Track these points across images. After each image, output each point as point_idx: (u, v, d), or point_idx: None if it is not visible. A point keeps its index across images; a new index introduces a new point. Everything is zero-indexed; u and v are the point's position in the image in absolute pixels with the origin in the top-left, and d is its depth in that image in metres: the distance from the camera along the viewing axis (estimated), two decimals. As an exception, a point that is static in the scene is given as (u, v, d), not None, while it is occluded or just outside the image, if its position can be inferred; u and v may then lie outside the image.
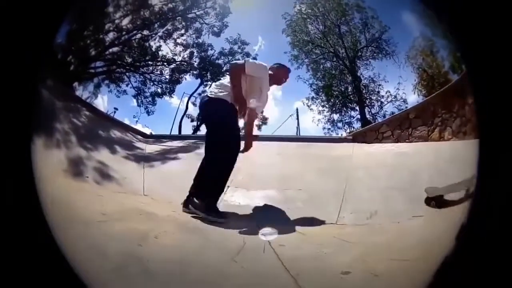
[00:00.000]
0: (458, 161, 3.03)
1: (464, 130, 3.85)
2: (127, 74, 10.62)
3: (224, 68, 11.79)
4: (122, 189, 2.81)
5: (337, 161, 4.22)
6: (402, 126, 5.18)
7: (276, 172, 3.67)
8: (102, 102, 8.10)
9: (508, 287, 0.66)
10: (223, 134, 2.98)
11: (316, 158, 4.32)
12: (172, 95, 11.48)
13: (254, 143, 3.52)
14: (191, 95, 11.61)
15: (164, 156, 4.08)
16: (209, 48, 11.71)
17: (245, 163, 3.72)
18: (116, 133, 4.89)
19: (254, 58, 12.58)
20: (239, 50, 12.08)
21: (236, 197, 2.82)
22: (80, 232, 1.72)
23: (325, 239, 2.11)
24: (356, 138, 5.96)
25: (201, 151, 4.33)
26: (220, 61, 11.95)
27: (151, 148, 4.48)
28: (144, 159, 3.88)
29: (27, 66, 0.75)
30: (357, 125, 11.16)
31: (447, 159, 3.36)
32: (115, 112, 8.34)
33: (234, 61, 3.22)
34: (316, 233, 2.23)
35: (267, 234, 2.28)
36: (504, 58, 0.64)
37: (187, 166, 3.69)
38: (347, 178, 3.39)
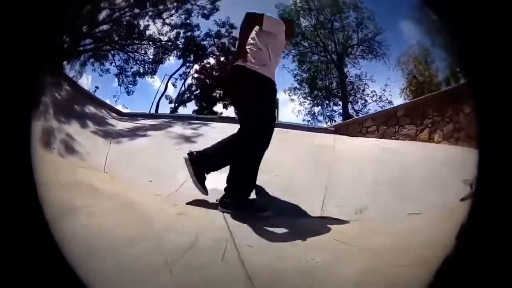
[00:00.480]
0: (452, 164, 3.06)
1: (457, 136, 3.89)
2: (112, 52, 10.53)
3: (209, 50, 11.75)
4: (84, 164, 2.76)
5: (320, 150, 3.98)
6: (389, 123, 5.08)
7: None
8: (86, 82, 8.03)
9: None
10: (268, 126, 2.42)
11: (297, 145, 4.09)
12: (154, 76, 11.41)
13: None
14: (171, 76, 11.51)
15: (134, 134, 4.00)
16: (196, 29, 11.63)
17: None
18: (91, 109, 4.83)
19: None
20: (226, 34, 12.08)
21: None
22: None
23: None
24: (339, 129, 5.83)
25: (174, 129, 4.36)
26: (205, 43, 11.89)
27: (123, 125, 4.43)
28: (113, 135, 3.81)
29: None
30: (338, 120, 11.25)
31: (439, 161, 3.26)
32: (95, 90, 8.30)
33: (251, 11, 2.48)
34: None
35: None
36: (507, 64, 0.58)
37: (156, 144, 3.63)
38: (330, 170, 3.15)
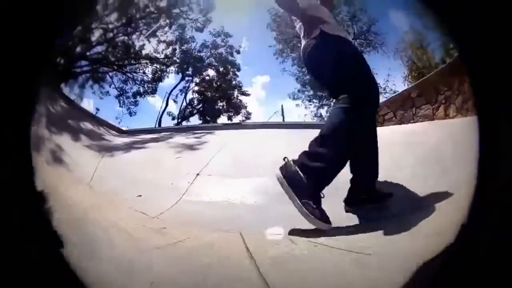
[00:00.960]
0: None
1: (466, 107, 3.56)
2: (109, 74, 10.34)
3: (207, 62, 11.60)
4: (69, 175, 2.41)
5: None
6: (405, 106, 4.68)
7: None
8: (88, 105, 7.84)
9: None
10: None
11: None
12: (154, 95, 11.18)
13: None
14: (170, 92, 11.28)
15: (130, 147, 3.68)
16: (191, 41, 11.46)
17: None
18: (87, 125, 4.54)
19: (238, 52, 12.20)
20: (222, 43, 11.93)
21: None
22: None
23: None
24: None
25: (175, 140, 4.07)
26: (202, 54, 11.72)
27: (120, 141, 4.09)
28: (108, 149, 3.46)
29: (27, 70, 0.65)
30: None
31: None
32: (96, 112, 8.04)
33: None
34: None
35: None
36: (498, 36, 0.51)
37: (154, 155, 3.30)
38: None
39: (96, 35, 9.27)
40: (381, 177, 2.01)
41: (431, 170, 2.25)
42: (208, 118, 10.94)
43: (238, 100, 12.17)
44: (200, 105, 11.58)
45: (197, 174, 2.44)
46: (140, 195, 2.09)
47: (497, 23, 0.52)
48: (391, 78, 11.52)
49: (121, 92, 10.70)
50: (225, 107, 11.54)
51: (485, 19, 0.53)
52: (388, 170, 2.22)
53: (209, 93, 11.50)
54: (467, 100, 3.49)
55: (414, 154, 2.68)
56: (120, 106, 10.61)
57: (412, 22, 9.92)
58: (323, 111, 12.47)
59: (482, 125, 0.59)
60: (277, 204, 2.02)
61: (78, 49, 8.53)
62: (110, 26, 9.62)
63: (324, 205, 1.64)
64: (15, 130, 0.66)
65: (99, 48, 9.56)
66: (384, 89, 11.54)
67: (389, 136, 3.53)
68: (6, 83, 0.61)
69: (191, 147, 3.52)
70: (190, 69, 11.35)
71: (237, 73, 12.37)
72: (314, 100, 12.60)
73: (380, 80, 13.05)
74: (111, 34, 9.78)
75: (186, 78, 11.58)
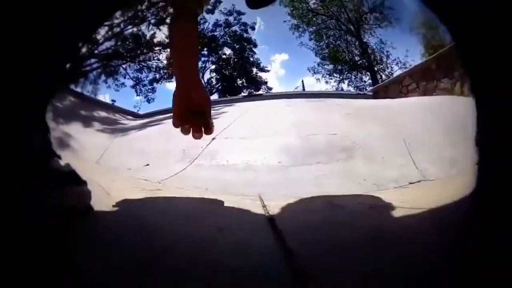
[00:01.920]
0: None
1: None
2: (123, 66, 10.26)
3: (221, 40, 11.39)
4: (75, 157, 2.25)
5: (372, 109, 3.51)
6: (426, 78, 4.55)
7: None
8: (103, 99, 7.80)
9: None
10: None
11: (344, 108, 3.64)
12: (171, 80, 11.07)
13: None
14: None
15: (144, 126, 3.51)
16: (202, 22, 11.25)
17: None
18: (100, 113, 4.45)
19: (253, 29, 11.84)
20: (235, 21, 11.69)
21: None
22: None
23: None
24: (377, 93, 5.43)
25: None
26: (216, 33, 11.52)
27: (135, 123, 3.95)
28: (121, 131, 3.31)
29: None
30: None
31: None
32: (113, 103, 7.97)
33: None
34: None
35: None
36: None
37: (163, 130, 3.12)
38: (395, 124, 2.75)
39: (101, 33, 9.17)
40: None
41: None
42: (228, 96, 10.83)
43: (257, 76, 12.03)
44: (219, 84, 11.46)
45: (213, 139, 2.24)
46: (148, 164, 1.91)
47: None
48: (410, 54, 11.35)
49: (137, 82, 10.68)
50: (244, 84, 11.41)
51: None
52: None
53: (227, 71, 11.34)
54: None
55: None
56: (137, 95, 10.61)
57: (420, 3, 9.55)
58: (344, 86, 12.29)
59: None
60: (302, 164, 2.01)
61: (84, 49, 8.42)
62: (116, 21, 9.51)
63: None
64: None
65: (107, 44, 9.52)
66: (404, 64, 11.32)
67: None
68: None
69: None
70: (206, 49, 11.23)
71: (254, 49, 12.25)
72: (335, 74, 12.37)
73: (399, 54, 12.96)
74: (118, 29, 9.67)
75: (202, 59, 11.49)
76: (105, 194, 0.89)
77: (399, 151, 2.17)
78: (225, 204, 1.03)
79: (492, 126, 0.51)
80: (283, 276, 0.50)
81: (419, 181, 1.68)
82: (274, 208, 0.96)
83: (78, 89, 7.03)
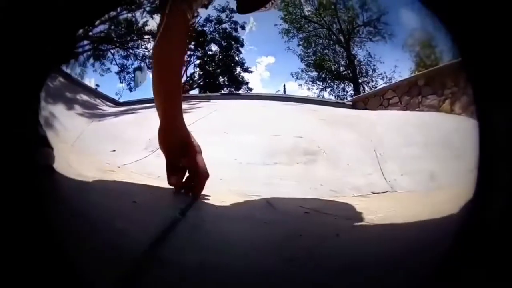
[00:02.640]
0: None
1: (471, 109, 3.47)
2: (111, 51, 10.26)
3: (210, 36, 11.47)
4: (57, 137, 2.39)
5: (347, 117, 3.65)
6: (411, 93, 4.70)
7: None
8: (88, 83, 7.81)
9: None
10: None
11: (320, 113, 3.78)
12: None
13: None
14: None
15: (121, 114, 3.69)
16: (195, 15, 11.28)
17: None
18: (83, 97, 4.54)
19: (243, 28, 11.91)
20: (227, 19, 11.79)
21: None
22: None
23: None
24: (356, 104, 5.50)
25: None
26: (205, 28, 11.59)
27: (113, 110, 4.08)
28: (98, 116, 3.43)
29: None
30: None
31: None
32: (96, 88, 8.01)
33: None
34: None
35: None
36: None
37: (136, 118, 3.27)
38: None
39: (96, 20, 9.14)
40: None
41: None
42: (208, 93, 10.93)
43: (240, 76, 12.17)
44: (201, 80, 11.54)
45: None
46: (114, 150, 2.08)
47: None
48: (398, 70, 11.60)
49: (122, 68, 10.66)
50: (226, 82, 11.53)
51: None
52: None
53: (210, 68, 11.43)
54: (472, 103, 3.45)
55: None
56: (120, 82, 10.60)
57: (422, 20, 9.80)
58: (325, 94, 12.47)
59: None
60: (259, 163, 2.07)
61: (81, 30, 8.39)
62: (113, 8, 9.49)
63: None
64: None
65: (101, 27, 9.51)
66: (390, 79, 11.54)
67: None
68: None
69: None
70: (193, 43, 11.29)
71: (240, 49, 12.37)
72: (318, 82, 12.56)
73: (386, 69, 13.19)
74: (114, 13, 9.69)
75: (189, 52, 11.51)
76: (67, 165, 1.06)
77: (367, 160, 2.22)
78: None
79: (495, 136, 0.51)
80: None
81: (384, 192, 1.70)
82: (208, 201, 1.07)
83: (68, 70, 7.15)
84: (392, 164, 2.12)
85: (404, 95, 4.76)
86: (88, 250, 0.56)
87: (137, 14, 10.12)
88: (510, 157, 0.49)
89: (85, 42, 8.84)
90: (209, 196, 1.11)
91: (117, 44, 10.48)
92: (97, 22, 9.00)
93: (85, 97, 4.65)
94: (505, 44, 0.47)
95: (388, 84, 10.65)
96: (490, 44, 0.49)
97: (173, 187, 1.07)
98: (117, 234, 0.68)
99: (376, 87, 11.42)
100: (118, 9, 9.60)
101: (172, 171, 1.09)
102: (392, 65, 13.76)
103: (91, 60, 9.52)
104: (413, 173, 1.95)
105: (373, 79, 12.24)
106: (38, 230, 0.51)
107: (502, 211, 0.48)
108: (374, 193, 1.65)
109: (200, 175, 1.08)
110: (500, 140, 0.51)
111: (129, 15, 10.02)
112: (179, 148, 1.10)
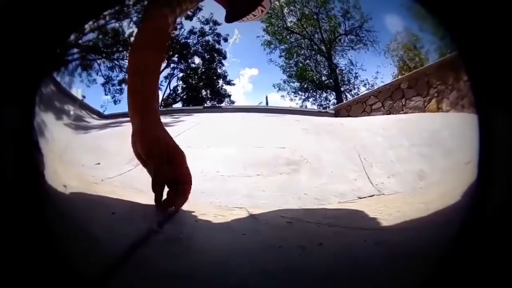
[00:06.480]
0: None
1: (462, 103, 3.66)
2: (98, 62, 10.20)
3: (193, 49, 11.45)
4: (46, 147, 2.39)
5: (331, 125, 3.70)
6: (394, 97, 4.79)
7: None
8: (76, 93, 7.74)
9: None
10: None
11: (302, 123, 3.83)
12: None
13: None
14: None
15: (105, 127, 3.72)
16: (179, 27, 11.32)
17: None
18: (69, 107, 4.51)
19: (226, 40, 11.85)
20: (210, 31, 11.81)
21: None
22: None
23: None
24: (339, 112, 5.53)
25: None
26: (189, 41, 11.59)
27: (98, 122, 4.10)
28: (84, 128, 3.63)
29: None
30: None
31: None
32: (83, 99, 7.95)
33: None
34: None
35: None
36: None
37: (121, 132, 3.27)
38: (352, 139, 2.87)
39: (89, 22, 9.11)
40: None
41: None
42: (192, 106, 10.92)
43: (222, 89, 12.19)
44: (184, 93, 11.51)
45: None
46: (99, 163, 2.10)
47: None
48: (380, 76, 11.79)
49: (107, 80, 10.59)
50: (208, 95, 11.53)
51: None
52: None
53: (193, 81, 11.41)
54: (463, 97, 3.60)
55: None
56: (105, 94, 10.53)
57: (407, 23, 10.04)
58: (308, 104, 12.58)
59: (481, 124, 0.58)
60: (241, 175, 2.07)
61: (72, 36, 8.34)
62: (104, 13, 9.48)
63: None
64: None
65: (90, 36, 9.46)
66: (372, 86, 11.74)
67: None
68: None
69: (165, 124, 3.54)
70: (177, 55, 11.31)
71: (222, 61, 12.42)
72: (300, 92, 12.68)
73: (368, 76, 13.38)
74: (103, 21, 9.66)
75: (172, 65, 11.55)
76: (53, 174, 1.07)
77: (352, 166, 2.23)
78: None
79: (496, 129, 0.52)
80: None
81: (371, 196, 1.71)
82: (188, 214, 1.07)
83: (58, 79, 7.07)
84: (377, 168, 2.16)
85: (387, 100, 4.85)
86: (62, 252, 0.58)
87: (124, 24, 10.11)
88: (509, 154, 0.51)
89: (75, 50, 8.82)
90: (192, 211, 1.11)
91: (103, 55, 10.42)
92: (87, 29, 9.01)
93: (72, 108, 4.64)
94: (505, 44, 0.49)
95: (370, 90, 10.85)
96: (490, 44, 0.51)
97: (156, 197, 1.02)
98: (91, 240, 0.71)
99: (358, 94, 11.65)
100: (107, 18, 9.60)
101: (157, 178, 1.03)
102: (374, 71, 13.95)
103: (79, 70, 9.43)
104: (400, 174, 1.99)
105: (355, 86, 12.48)
106: (36, 230, 0.54)
107: (501, 206, 0.50)
108: (360, 198, 1.66)
109: (186, 183, 1.06)
110: (500, 139, 0.53)
111: (117, 24, 9.99)
112: (164, 153, 1.05)
